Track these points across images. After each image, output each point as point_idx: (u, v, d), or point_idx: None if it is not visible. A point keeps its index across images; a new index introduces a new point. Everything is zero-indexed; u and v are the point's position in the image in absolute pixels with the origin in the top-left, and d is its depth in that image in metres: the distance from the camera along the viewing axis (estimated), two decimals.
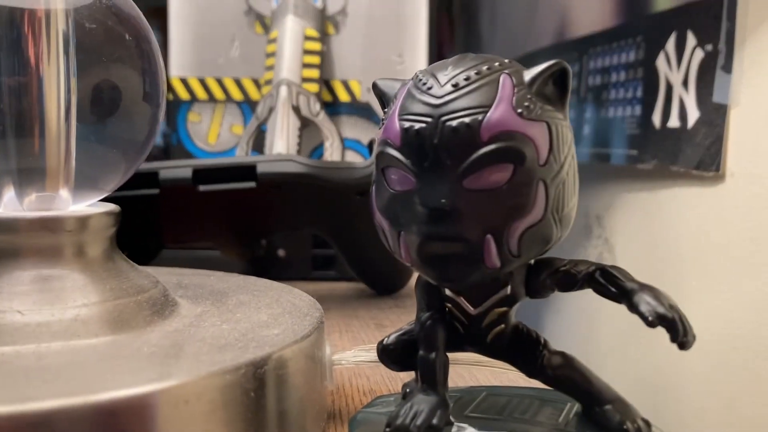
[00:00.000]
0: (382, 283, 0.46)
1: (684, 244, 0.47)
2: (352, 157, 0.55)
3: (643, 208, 0.53)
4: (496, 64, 0.19)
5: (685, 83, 0.47)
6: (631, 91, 0.54)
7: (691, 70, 0.46)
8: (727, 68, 0.42)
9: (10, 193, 0.23)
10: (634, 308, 0.18)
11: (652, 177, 0.51)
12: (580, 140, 0.61)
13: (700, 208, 0.45)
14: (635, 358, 0.52)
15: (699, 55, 0.45)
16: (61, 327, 0.21)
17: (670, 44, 0.48)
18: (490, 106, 0.18)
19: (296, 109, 0.51)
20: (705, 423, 0.44)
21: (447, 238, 0.18)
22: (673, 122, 0.48)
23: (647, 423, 0.20)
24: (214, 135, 0.56)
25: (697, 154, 0.45)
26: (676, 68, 0.48)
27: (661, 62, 0.50)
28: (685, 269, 0.46)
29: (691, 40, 0.46)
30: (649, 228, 0.51)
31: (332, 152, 0.52)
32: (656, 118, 0.50)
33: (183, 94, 0.56)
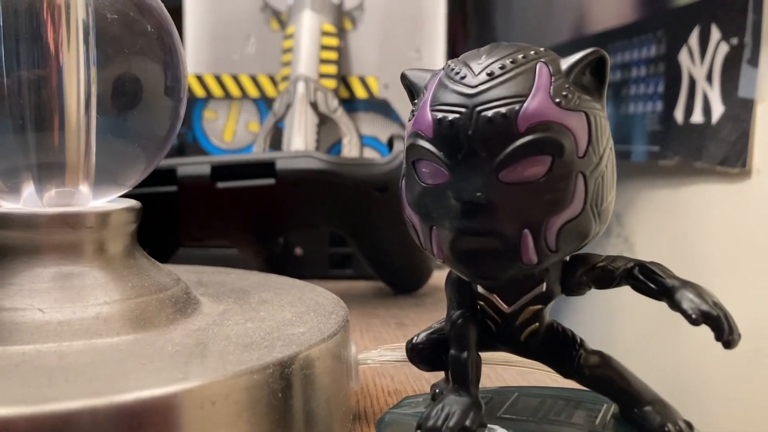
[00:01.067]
0: (401, 281, 0.45)
1: (708, 242, 0.46)
2: (370, 155, 0.55)
3: (665, 205, 0.52)
4: (532, 52, 0.18)
5: (709, 78, 0.46)
6: (653, 87, 0.53)
7: (715, 64, 0.45)
8: (754, 62, 0.41)
9: (29, 188, 0.23)
10: (676, 306, 0.18)
11: (675, 174, 0.50)
12: None
13: (725, 205, 0.45)
14: (656, 359, 0.51)
15: (724, 48, 0.44)
16: (82, 325, 0.20)
17: (693, 38, 0.47)
18: (526, 96, 0.17)
19: (314, 106, 0.51)
20: (730, 425, 0.43)
21: (482, 233, 0.18)
22: (697, 118, 0.47)
23: (689, 425, 0.19)
24: (230, 132, 0.56)
25: (722, 150, 0.44)
26: (700, 62, 0.47)
27: (683, 57, 0.49)
28: (708, 268, 0.45)
29: (715, 33, 0.45)
30: (670, 226, 0.50)
31: (350, 149, 0.52)
32: (679, 114, 0.49)
33: (198, 92, 0.56)
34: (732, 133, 0.44)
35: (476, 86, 0.18)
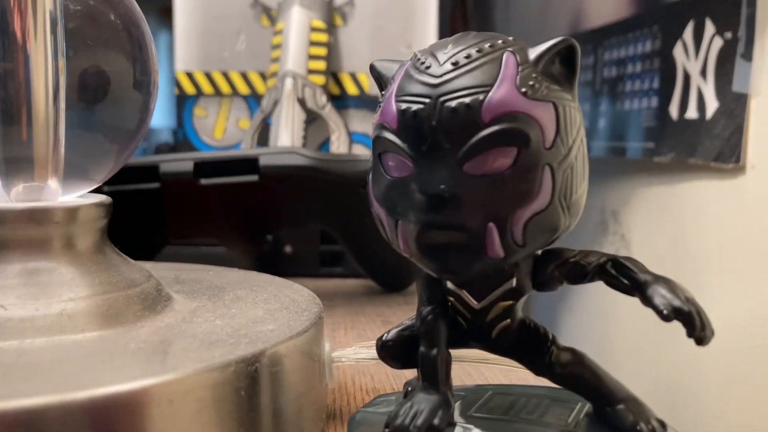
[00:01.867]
0: (389, 279, 0.45)
1: (703, 239, 0.45)
2: (360, 152, 0.54)
3: (661, 202, 0.51)
4: (500, 41, 0.18)
5: (703, 73, 0.45)
6: (648, 83, 0.52)
7: (709, 59, 0.45)
8: (748, 56, 0.41)
9: None
10: (647, 301, 0.17)
11: (670, 170, 0.49)
12: (596, 134, 0.60)
13: (720, 201, 0.44)
14: (653, 358, 0.50)
15: (718, 43, 0.44)
16: (45, 322, 0.20)
17: (688, 33, 0.47)
18: (491, 86, 0.17)
19: (302, 102, 0.50)
20: (725, 424, 0.43)
21: (447, 226, 0.17)
22: (691, 113, 0.46)
23: (662, 424, 0.18)
24: (221, 130, 0.55)
25: (716, 145, 0.43)
26: (694, 57, 0.46)
27: (678, 52, 0.48)
28: (704, 265, 0.45)
29: (709, 28, 0.45)
30: (666, 223, 0.50)
31: (339, 146, 0.51)
32: (673, 110, 0.48)
33: (189, 89, 0.56)
34: (726, 129, 0.43)
35: (441, 76, 0.17)
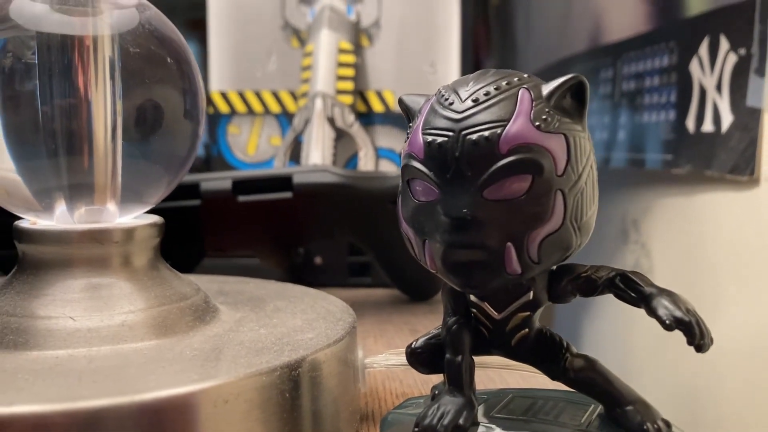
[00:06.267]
0: (415, 289, 0.47)
1: (720, 249, 0.46)
2: (386, 166, 0.56)
3: (679, 212, 0.52)
4: (515, 79, 0.20)
5: (718, 87, 0.46)
6: (665, 96, 0.54)
7: (724, 74, 0.46)
8: (761, 72, 0.42)
9: (62, 207, 0.25)
10: (652, 312, 0.19)
11: (687, 182, 0.51)
12: (616, 145, 0.61)
13: (735, 212, 0.45)
14: (673, 364, 0.52)
15: (732, 59, 0.45)
16: (109, 332, 0.22)
17: (703, 48, 0.48)
18: (508, 120, 0.19)
19: (331, 121, 0.53)
20: (744, 429, 0.44)
21: (469, 246, 0.19)
22: (707, 126, 0.47)
23: (667, 423, 0.20)
24: (253, 146, 0.58)
25: (732, 158, 0.45)
26: (710, 72, 0.48)
27: (694, 67, 0.49)
28: (721, 274, 0.46)
29: (724, 44, 0.46)
30: (685, 233, 0.51)
31: (366, 162, 0.54)
32: (690, 123, 0.50)
33: (223, 108, 0.58)
34: (741, 142, 0.44)
35: (463, 112, 0.19)
